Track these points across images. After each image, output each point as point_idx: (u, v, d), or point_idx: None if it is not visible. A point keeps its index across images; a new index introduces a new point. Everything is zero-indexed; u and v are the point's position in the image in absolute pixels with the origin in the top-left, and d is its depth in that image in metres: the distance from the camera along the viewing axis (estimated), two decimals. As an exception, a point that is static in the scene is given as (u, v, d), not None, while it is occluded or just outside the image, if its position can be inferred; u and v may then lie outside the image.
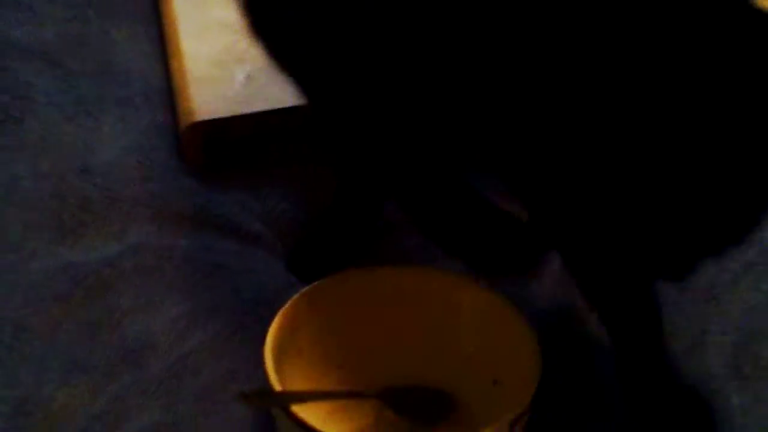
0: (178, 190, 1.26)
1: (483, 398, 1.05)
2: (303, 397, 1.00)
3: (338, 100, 1.09)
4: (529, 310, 1.07)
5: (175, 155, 1.30)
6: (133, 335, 1.12)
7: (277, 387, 0.99)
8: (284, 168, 1.29)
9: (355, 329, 1.09)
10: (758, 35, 0.83)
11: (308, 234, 1.21)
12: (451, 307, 1.09)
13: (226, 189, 1.27)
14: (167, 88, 1.38)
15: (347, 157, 1.15)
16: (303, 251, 1.20)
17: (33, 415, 1.05)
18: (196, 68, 1.35)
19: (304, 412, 0.97)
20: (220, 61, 1.35)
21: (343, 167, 1.16)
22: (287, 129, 1.30)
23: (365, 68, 1.02)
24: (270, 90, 1.28)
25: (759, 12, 0.82)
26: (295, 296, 1.07)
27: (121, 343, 1.11)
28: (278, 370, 1.00)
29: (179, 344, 1.11)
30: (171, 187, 1.26)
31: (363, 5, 0.97)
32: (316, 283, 1.08)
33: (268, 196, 1.26)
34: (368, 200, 1.18)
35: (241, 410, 1.06)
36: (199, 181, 1.27)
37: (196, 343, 1.11)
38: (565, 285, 1.12)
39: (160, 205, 1.24)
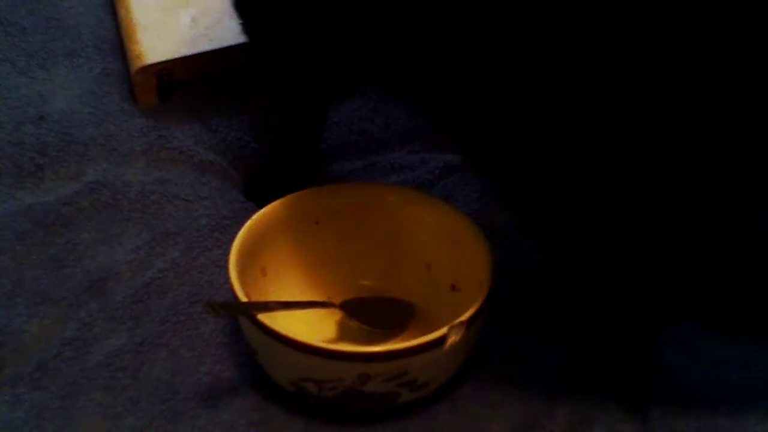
0: (132, 130, 1.22)
1: (442, 304, 1.02)
2: (268, 307, 0.96)
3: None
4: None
5: (127, 99, 1.27)
6: (96, 267, 1.08)
7: (243, 298, 0.95)
8: (232, 101, 1.26)
9: (315, 246, 1.06)
10: None
11: (263, 162, 1.18)
12: (407, 219, 1.07)
13: (178, 125, 1.23)
14: (116, 37, 1.34)
15: (286, 83, 1.13)
16: (259, 178, 1.17)
17: (6, 346, 1.00)
18: (143, 15, 1.32)
19: (270, 322, 0.93)
20: (166, 7, 1.33)
21: (284, 92, 1.14)
22: (232, 65, 1.27)
23: None
24: (214, 31, 1.28)
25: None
26: (255, 215, 1.03)
27: (86, 274, 1.07)
28: (245, 289, 0.96)
29: (141, 272, 1.08)
30: (125, 128, 1.23)
31: None
32: (274, 202, 1.04)
33: (219, 127, 1.23)
34: (309, 121, 1.15)
35: (207, 327, 1.02)
36: (151, 120, 1.24)
37: (158, 270, 1.08)
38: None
39: (114, 145, 1.21)
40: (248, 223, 1.02)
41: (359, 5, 0.95)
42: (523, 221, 0.96)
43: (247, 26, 1.09)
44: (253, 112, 1.24)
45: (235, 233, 1.01)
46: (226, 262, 0.98)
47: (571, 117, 0.84)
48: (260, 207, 1.06)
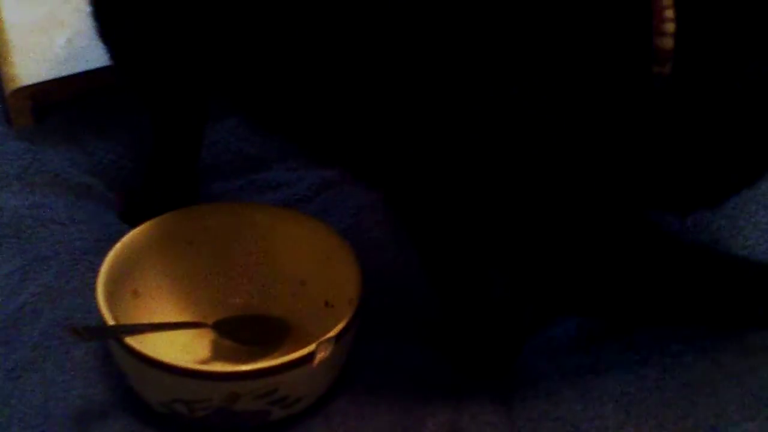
0: (6, 153, 1.21)
1: (316, 320, 1.02)
2: (138, 329, 0.96)
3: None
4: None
5: (2, 122, 1.26)
6: (-33, 293, 1.07)
7: (110, 321, 0.94)
8: (108, 122, 1.25)
9: (188, 266, 1.06)
10: None
11: (139, 183, 1.18)
12: (279, 237, 1.07)
13: (53, 147, 1.22)
14: (-9, 60, 1.33)
15: (156, 106, 1.14)
16: (135, 200, 1.16)
17: None
18: (17, 36, 1.31)
19: (140, 346, 0.93)
20: (41, 28, 1.32)
21: (156, 115, 1.15)
22: (107, 86, 1.26)
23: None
24: (89, 51, 1.26)
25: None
26: (125, 237, 1.03)
27: (-44, 301, 1.06)
28: (116, 312, 0.96)
29: (14, 297, 1.07)
30: (-2, 151, 1.21)
31: None
32: (145, 223, 1.04)
33: (96, 149, 1.23)
34: (183, 143, 1.16)
35: (79, 351, 1.02)
36: (26, 143, 1.23)
37: (31, 295, 1.07)
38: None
39: (-12, 169, 1.19)
40: (117, 245, 1.01)
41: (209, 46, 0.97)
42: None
43: (113, 54, 1.10)
44: (129, 133, 1.24)
45: (109, 256, 1.01)
46: (98, 284, 0.98)
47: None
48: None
